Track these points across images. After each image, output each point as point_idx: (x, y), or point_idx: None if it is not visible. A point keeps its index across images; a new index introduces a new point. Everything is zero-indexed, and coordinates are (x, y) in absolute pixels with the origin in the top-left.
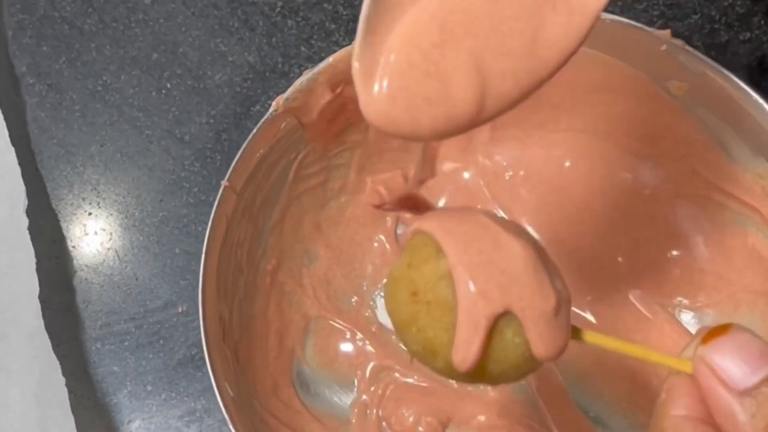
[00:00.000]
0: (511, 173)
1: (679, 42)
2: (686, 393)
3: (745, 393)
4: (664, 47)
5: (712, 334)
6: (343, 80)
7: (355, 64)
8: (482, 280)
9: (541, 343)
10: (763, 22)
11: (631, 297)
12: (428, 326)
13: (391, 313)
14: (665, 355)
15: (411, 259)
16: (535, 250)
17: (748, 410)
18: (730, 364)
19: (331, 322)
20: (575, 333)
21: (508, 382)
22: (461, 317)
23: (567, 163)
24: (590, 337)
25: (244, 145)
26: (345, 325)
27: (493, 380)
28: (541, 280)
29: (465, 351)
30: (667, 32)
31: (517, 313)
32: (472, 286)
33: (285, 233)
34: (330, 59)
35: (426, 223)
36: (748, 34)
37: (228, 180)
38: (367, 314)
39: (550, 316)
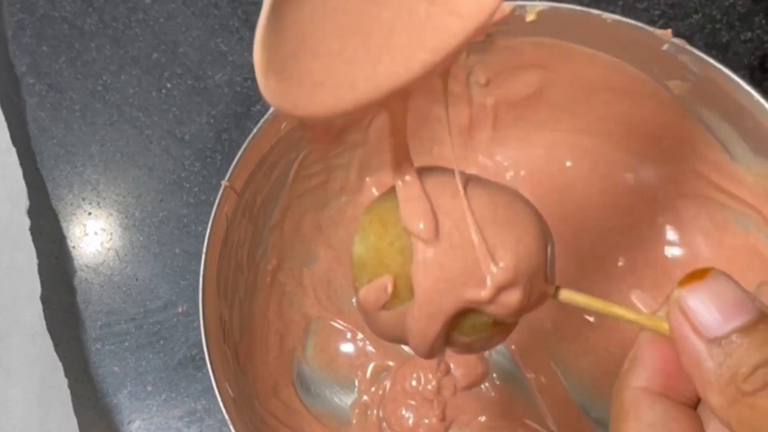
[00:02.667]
0: (512, 173)
1: (680, 42)
2: (648, 365)
3: (714, 341)
4: (665, 47)
5: (691, 277)
6: None
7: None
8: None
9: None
10: (764, 21)
11: (632, 297)
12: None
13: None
14: (642, 314)
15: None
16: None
17: (715, 359)
18: (703, 310)
19: (332, 323)
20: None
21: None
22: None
23: (568, 163)
24: (566, 294)
25: (244, 145)
26: (345, 325)
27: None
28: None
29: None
30: (668, 32)
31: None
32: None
33: (285, 233)
34: None
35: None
36: (749, 34)
37: (228, 180)
38: None
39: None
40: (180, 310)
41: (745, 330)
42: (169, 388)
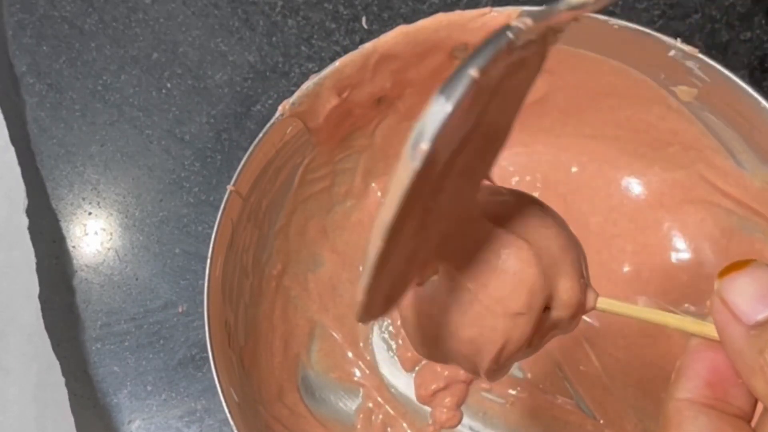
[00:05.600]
0: (517, 178)
1: (689, 49)
2: (693, 375)
3: (755, 327)
4: (672, 53)
5: (730, 268)
6: (349, 85)
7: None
8: None
9: None
10: (764, 21)
11: (638, 303)
12: None
13: None
14: (684, 318)
15: None
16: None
17: (755, 346)
18: (742, 297)
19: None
20: None
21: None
22: None
23: (574, 168)
24: (604, 303)
25: (250, 150)
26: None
27: None
28: None
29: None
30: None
31: None
32: None
33: (291, 238)
34: (337, 63)
35: None
36: (749, 34)
37: (234, 184)
38: None
39: None
40: (180, 310)
41: None
42: (169, 387)
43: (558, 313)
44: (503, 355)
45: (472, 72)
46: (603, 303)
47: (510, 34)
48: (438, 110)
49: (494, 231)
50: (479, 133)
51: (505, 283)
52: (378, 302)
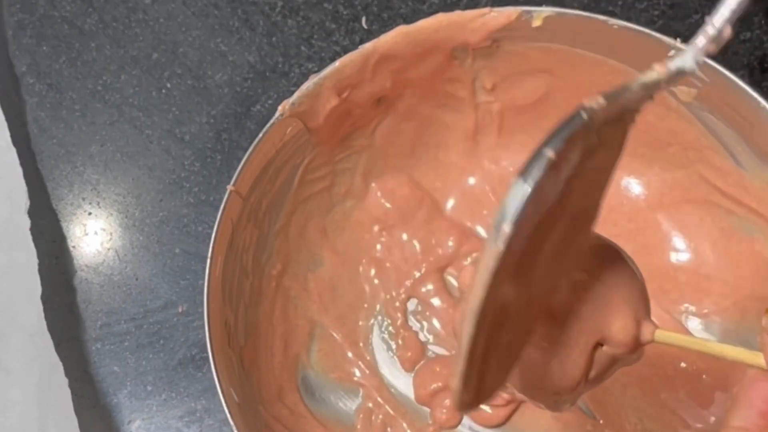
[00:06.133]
0: None
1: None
2: (748, 404)
3: None
4: (672, 53)
5: None
6: (349, 85)
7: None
8: None
9: None
10: (763, 21)
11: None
12: None
13: None
14: (741, 350)
15: None
16: None
17: None
18: None
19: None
20: None
21: None
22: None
23: None
24: (662, 336)
25: (250, 150)
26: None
27: None
28: None
29: None
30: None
31: None
32: None
33: (290, 238)
34: (336, 63)
35: None
36: (748, 34)
37: (234, 184)
38: None
39: None
40: (180, 310)
41: None
42: (169, 387)
43: (612, 350)
44: (558, 393)
45: (549, 153)
46: (660, 336)
47: (584, 114)
48: (517, 192)
49: None
50: (567, 215)
51: None
52: (482, 385)
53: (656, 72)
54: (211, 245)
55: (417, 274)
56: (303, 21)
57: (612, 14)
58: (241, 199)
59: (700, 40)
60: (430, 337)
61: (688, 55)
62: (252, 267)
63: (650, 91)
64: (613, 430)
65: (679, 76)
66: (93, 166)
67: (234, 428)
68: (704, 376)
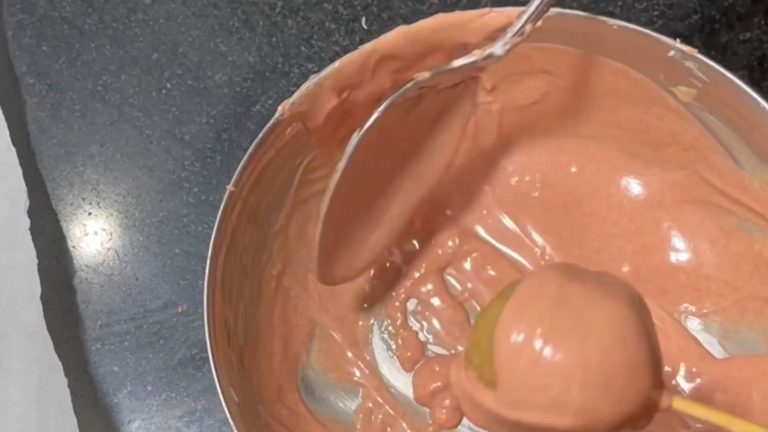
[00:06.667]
0: (516, 179)
1: (688, 49)
2: None
3: None
4: (671, 53)
5: None
6: (349, 85)
7: None
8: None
9: None
10: (763, 22)
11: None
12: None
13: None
14: (762, 428)
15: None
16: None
17: None
18: None
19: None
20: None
21: None
22: None
23: (573, 169)
24: (679, 404)
25: (249, 150)
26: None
27: None
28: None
29: None
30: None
31: None
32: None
33: (290, 238)
34: (336, 64)
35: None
36: (748, 34)
37: (234, 184)
38: None
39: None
40: (180, 310)
41: None
42: (169, 387)
43: None
44: None
45: (376, 114)
46: (678, 403)
47: (411, 84)
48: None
49: None
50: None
51: None
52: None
53: (474, 54)
54: (211, 245)
55: (417, 274)
56: (303, 21)
57: (612, 14)
58: (241, 199)
59: (509, 32)
60: (430, 337)
61: (498, 44)
62: (252, 267)
63: (471, 67)
64: None
65: (490, 58)
66: (93, 166)
67: (234, 428)
68: None
